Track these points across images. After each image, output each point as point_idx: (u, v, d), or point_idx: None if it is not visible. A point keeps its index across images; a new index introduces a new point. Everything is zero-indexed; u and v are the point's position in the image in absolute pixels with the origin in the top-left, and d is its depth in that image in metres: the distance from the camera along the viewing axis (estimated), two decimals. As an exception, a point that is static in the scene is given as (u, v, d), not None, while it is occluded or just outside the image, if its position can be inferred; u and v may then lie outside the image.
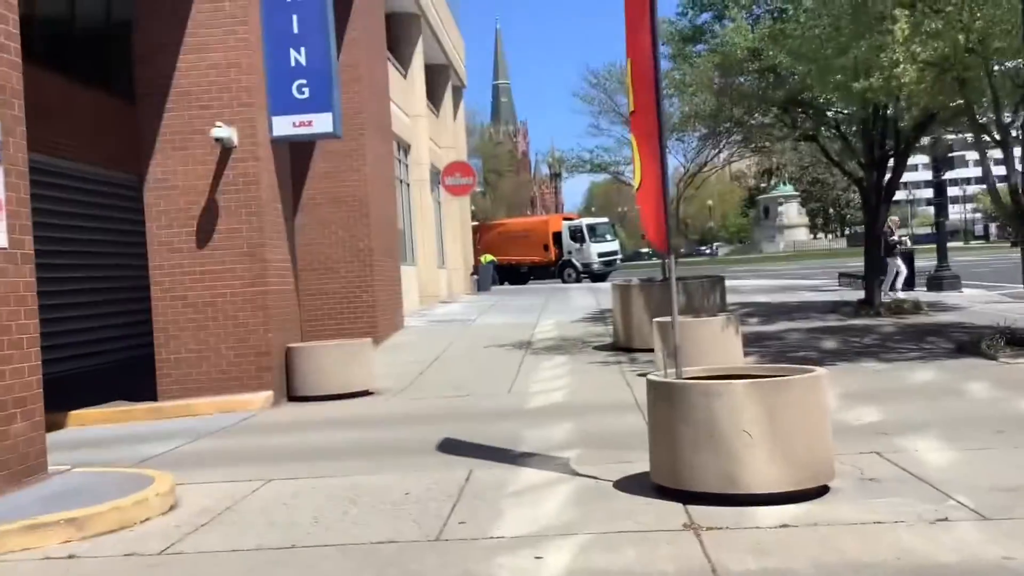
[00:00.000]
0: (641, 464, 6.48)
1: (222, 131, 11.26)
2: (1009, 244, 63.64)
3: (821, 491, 5.66)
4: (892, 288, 21.63)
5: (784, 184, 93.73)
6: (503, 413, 9.73)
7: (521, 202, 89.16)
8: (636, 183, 6.30)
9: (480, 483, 6.47)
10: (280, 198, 12.34)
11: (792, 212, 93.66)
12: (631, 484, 6.14)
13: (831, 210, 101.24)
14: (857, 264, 42.73)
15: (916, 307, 17.08)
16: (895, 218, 22.14)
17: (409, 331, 19.30)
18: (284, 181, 12.66)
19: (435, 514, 5.73)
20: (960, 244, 73.78)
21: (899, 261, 22.07)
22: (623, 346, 14.55)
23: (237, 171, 11.57)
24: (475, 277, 34.85)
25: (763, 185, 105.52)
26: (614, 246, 48.40)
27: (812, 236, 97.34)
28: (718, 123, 15.93)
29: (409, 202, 26.64)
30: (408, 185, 26.64)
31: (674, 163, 18.16)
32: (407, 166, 26.61)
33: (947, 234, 25.99)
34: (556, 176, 64.97)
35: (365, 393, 11.86)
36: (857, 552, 4.64)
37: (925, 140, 18.33)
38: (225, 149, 11.50)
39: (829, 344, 13.85)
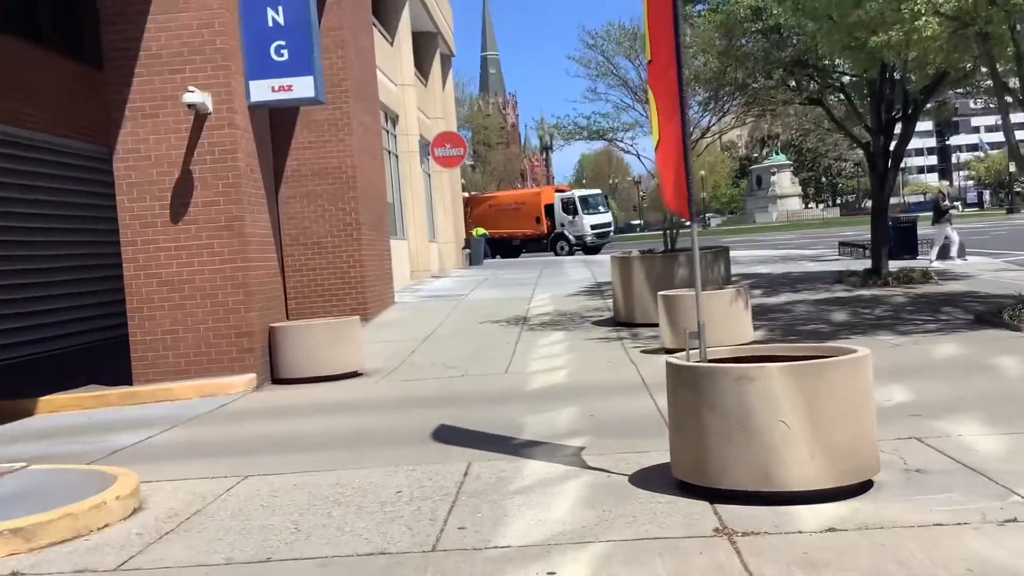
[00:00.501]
0: (658, 455, 5.83)
1: (195, 96, 10.51)
2: (1005, 211, 63.34)
3: (864, 486, 5.00)
4: (946, 256, 21.07)
5: (776, 153, 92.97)
6: (501, 396, 9.07)
7: (511, 175, 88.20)
8: (655, 141, 5.59)
9: (480, 479, 5.81)
10: (260, 168, 11.61)
11: (785, 181, 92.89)
12: (649, 479, 5.48)
13: (823, 179, 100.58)
14: (853, 233, 42.19)
15: (925, 276, 16.44)
16: (946, 183, 21.56)
17: (400, 307, 18.62)
18: (264, 150, 11.93)
19: (430, 517, 5.06)
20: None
21: (949, 228, 21.51)
22: (623, 321, 13.90)
23: (213, 139, 10.83)
24: (467, 251, 34.15)
25: (755, 155, 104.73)
26: (607, 218, 47.69)
27: (804, 206, 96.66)
28: (720, 87, 15.20)
29: (398, 174, 25.89)
30: (397, 157, 25.87)
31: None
32: (395, 137, 25.83)
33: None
34: (547, 148, 63.98)
35: (354, 374, 11.19)
36: (922, 562, 3.99)
37: (933, 103, 17.60)
38: (199, 116, 10.75)
39: (839, 316, 13.20)
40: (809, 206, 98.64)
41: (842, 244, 27.58)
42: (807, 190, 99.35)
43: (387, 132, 24.87)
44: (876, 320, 12.63)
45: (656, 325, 13.14)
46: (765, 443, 4.69)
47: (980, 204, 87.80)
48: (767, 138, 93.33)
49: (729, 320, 10.73)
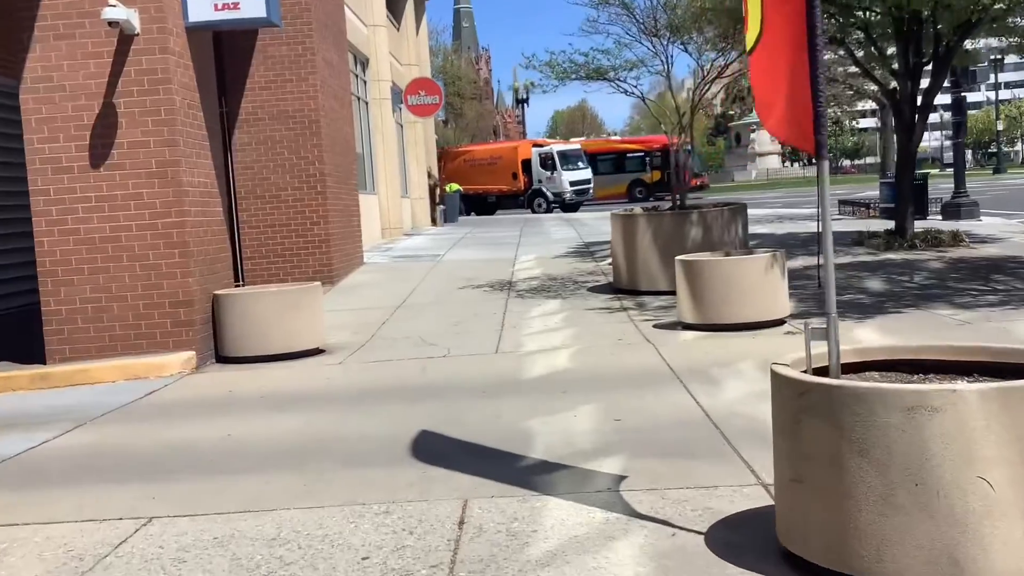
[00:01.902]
0: (731, 494, 4.09)
1: (118, 12, 8.53)
2: (991, 172, 62.03)
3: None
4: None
5: (755, 111, 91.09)
6: (495, 386, 7.28)
7: (484, 131, 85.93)
8: (751, 43, 3.74)
9: (483, 533, 4.01)
10: (202, 104, 9.67)
11: (765, 139, 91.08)
12: (738, 542, 3.71)
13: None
14: (844, 191, 40.55)
15: (955, 239, 14.78)
16: None
17: (370, 269, 16.76)
18: (207, 84, 9.98)
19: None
20: (936, 171, 71.98)
21: None
22: (625, 288, 12.14)
23: (141, 67, 8.88)
24: (441, 207, 32.22)
25: (730, 112, 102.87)
26: (587, 174, 45.71)
27: (783, 164, 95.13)
28: (733, 22, 13.34)
29: (368, 123, 23.87)
30: (367, 104, 23.84)
31: (683, 68, 15.56)
32: (365, 82, 23.77)
33: (964, 157, 23.74)
34: (522, 102, 61.72)
35: (314, 352, 9.37)
36: None
37: (967, 46, 15.84)
38: (124, 37, 8.79)
39: (875, 284, 11.50)
40: (787, 164, 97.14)
41: (842, 203, 25.92)
42: (786, 148, 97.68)
43: (356, 77, 22.83)
44: (921, 290, 10.94)
45: (664, 293, 11.45)
46: (954, 512, 2.93)
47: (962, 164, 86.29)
48: (746, 95, 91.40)
49: (763, 290, 8.99)
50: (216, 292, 9.42)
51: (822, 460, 3.16)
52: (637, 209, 13.15)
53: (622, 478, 4.65)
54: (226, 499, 4.74)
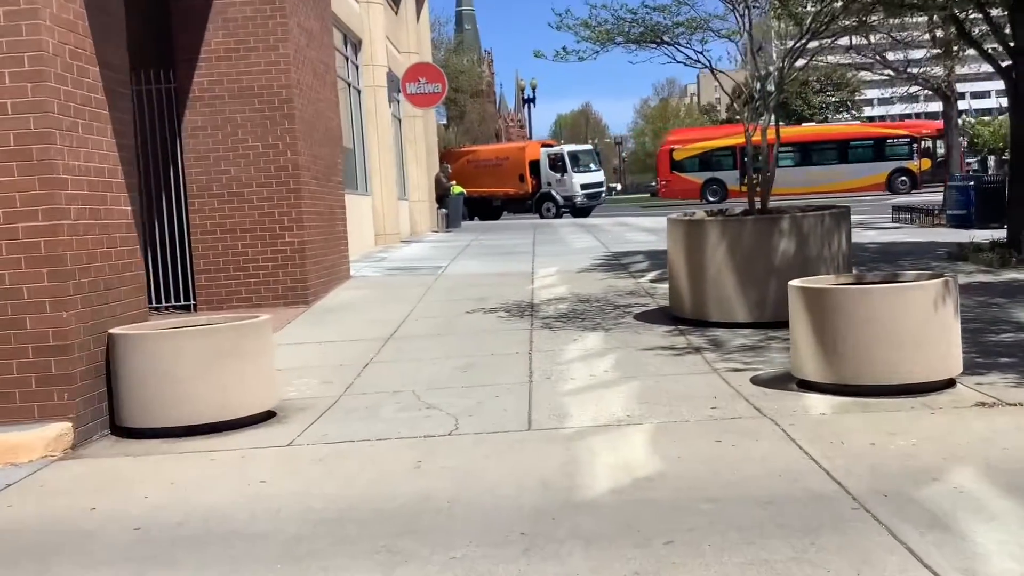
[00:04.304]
0: None
1: (-53, -98, 5.53)
2: None
3: None
4: None
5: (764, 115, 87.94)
6: (537, 517, 4.22)
7: (487, 135, 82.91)
8: None
9: None
10: (99, 57, 6.63)
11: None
12: None
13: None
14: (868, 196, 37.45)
15: (1087, 253, 11.78)
16: None
17: (357, 284, 13.75)
18: (109, 29, 6.94)
19: None
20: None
21: None
22: (689, 317, 9.14)
23: (-9, -8, 5.88)
24: (443, 212, 29.20)
25: (737, 117, 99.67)
26: (599, 177, 42.62)
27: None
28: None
29: (361, 113, 20.89)
30: (359, 92, 20.86)
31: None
32: (357, 67, 20.79)
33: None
34: (528, 102, 58.62)
35: (262, 418, 6.36)
36: None
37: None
38: (-36, -55, 5.79)
39: (1029, 317, 8.51)
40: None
41: (897, 208, 22.88)
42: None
43: (348, 60, 19.85)
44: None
45: (743, 326, 8.53)
46: None
47: (984, 171, 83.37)
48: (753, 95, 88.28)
49: (930, 336, 5.94)
50: (112, 331, 6.37)
51: None
52: (699, 213, 10.11)
53: None
54: None
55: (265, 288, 11.63)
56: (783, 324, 8.47)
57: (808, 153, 43.93)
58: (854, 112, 67.31)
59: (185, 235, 11.64)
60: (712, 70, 9.77)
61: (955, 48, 19.77)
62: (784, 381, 6.53)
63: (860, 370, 5.97)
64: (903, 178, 43.30)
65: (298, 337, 9.68)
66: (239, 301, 11.60)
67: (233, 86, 11.49)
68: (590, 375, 7.21)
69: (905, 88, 23.19)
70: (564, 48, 9.90)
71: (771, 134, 9.66)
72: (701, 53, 9.53)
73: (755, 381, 6.65)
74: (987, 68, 15.87)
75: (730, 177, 44.03)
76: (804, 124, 53.20)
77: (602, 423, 5.73)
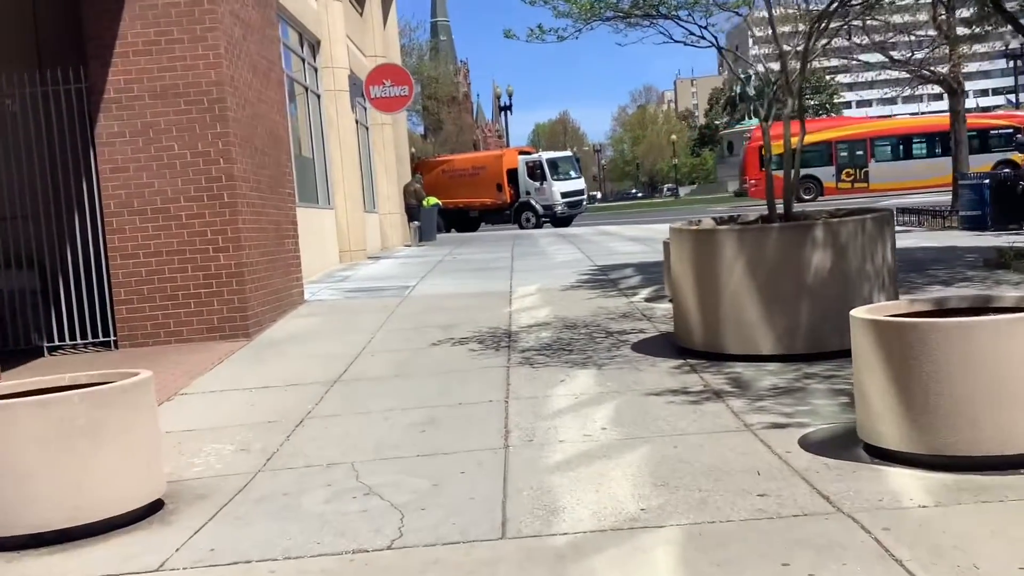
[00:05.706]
0: None
1: None
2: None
3: None
4: None
5: (749, 118, 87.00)
6: None
7: (464, 145, 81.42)
8: None
9: None
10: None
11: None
12: None
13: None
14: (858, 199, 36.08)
15: None
16: None
17: (311, 310, 12.05)
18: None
19: None
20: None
21: None
22: (699, 348, 7.48)
23: None
24: (416, 224, 27.48)
25: (717, 123, 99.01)
26: (580, 184, 40.96)
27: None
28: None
29: (321, 120, 19.19)
30: (319, 97, 19.16)
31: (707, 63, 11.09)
32: (316, 70, 19.09)
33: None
34: (505, 109, 56.99)
35: (145, 513, 4.65)
36: None
37: None
38: None
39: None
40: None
41: (903, 211, 21.36)
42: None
43: (304, 61, 18.16)
44: None
45: (768, 359, 6.90)
46: None
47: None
48: (739, 99, 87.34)
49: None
50: (-72, 402, 4.64)
51: None
52: (707, 221, 8.44)
53: None
54: None
55: (198, 319, 9.96)
56: (819, 356, 6.89)
57: (909, 146, 42.26)
58: (833, 115, 66.01)
59: (102, 259, 9.97)
60: (719, 48, 8.13)
61: (974, 28, 18.37)
62: (846, 444, 4.87)
63: (960, 435, 4.31)
64: (1007, 169, 41.55)
65: (226, 382, 7.97)
66: (168, 335, 9.93)
67: (155, 85, 9.84)
68: (584, 435, 5.53)
69: (907, 87, 21.62)
70: (539, 26, 8.25)
71: (795, 127, 8.03)
72: (705, 28, 7.89)
73: (806, 445, 4.98)
74: (987, 66, 14.37)
75: (825, 174, 42.01)
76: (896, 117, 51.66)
77: (608, 524, 4.05)
